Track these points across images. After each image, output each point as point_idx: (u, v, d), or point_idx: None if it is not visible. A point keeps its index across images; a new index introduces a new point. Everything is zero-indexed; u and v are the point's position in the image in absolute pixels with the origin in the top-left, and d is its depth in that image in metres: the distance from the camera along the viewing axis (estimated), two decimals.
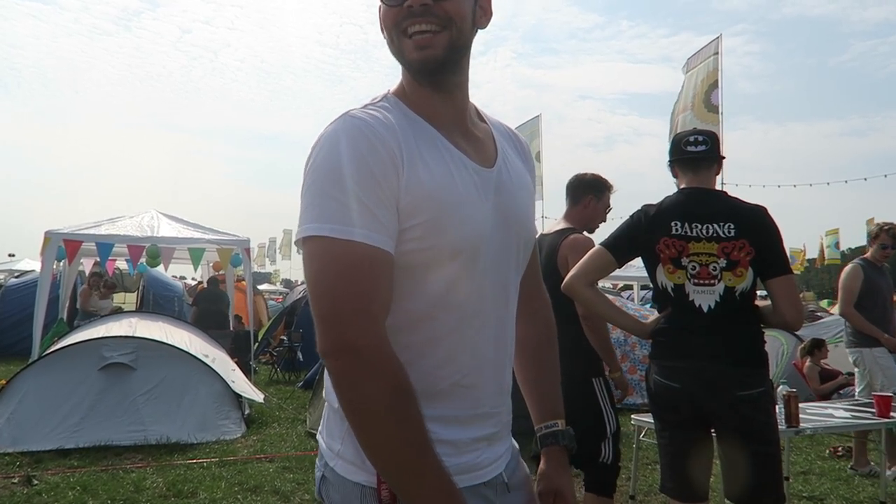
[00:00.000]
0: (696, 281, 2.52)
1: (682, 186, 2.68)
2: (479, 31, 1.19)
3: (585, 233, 3.26)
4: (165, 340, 6.40)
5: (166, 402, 6.02)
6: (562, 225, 3.31)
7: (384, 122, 1.08)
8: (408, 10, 1.09)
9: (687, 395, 2.49)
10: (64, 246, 8.66)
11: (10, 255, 25.78)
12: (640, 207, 2.72)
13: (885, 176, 16.51)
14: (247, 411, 6.70)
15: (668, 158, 2.76)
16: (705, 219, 2.53)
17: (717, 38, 12.82)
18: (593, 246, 2.85)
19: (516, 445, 1.31)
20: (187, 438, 5.86)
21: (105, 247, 8.95)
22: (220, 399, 6.28)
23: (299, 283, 24.88)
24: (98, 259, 11.21)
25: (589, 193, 3.30)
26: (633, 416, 4.15)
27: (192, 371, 6.23)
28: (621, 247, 2.67)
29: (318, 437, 1.20)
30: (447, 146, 1.14)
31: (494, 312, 1.17)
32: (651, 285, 2.69)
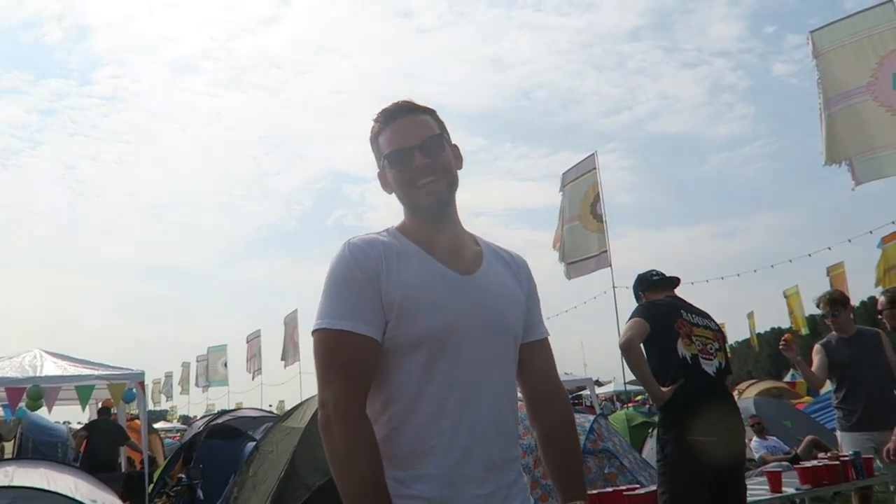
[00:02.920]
0: None
1: (661, 297, 3.75)
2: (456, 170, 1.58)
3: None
4: (47, 487, 5.89)
5: None
6: None
7: (373, 242, 1.45)
8: (415, 170, 1.46)
9: None
10: None
11: None
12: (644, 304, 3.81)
13: (755, 271, 18.04)
14: None
15: (637, 287, 3.96)
16: (698, 314, 3.67)
17: (591, 155, 14.01)
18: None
19: None
20: None
21: None
22: None
23: (198, 418, 23.39)
24: None
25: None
26: None
27: None
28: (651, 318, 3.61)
29: None
30: (425, 257, 1.46)
31: (474, 390, 1.41)
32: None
